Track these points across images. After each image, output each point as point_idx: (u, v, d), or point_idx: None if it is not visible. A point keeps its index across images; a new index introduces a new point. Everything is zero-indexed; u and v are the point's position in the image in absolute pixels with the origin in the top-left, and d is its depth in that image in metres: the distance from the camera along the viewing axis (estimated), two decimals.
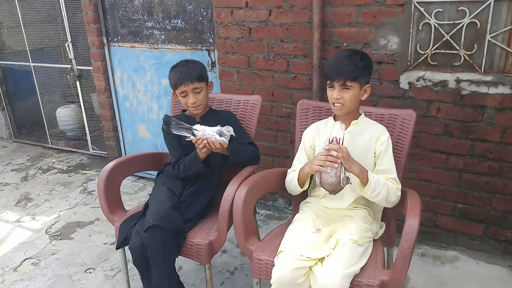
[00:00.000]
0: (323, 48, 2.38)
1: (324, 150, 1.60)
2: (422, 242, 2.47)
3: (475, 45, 2.07)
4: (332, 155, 1.55)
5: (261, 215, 2.89)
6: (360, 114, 1.78)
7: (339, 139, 1.60)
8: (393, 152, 1.76)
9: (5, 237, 2.80)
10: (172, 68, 2.02)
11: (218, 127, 1.83)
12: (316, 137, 1.83)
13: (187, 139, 1.85)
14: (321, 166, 1.57)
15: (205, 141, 1.80)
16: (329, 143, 1.61)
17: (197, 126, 1.85)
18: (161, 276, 1.76)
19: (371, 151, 1.71)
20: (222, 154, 1.92)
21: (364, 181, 1.61)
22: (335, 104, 1.69)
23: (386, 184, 1.66)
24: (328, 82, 1.69)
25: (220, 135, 1.82)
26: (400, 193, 1.71)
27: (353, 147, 1.71)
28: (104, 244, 2.67)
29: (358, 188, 1.65)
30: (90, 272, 2.40)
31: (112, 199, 2.01)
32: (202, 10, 2.82)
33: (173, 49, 3.03)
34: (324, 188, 1.61)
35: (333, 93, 1.67)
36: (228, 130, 1.84)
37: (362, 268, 1.54)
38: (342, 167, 1.56)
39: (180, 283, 1.98)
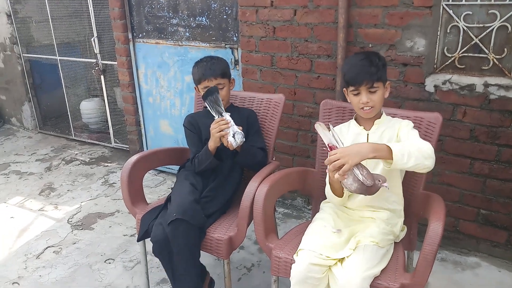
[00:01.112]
0: (348, 48, 2.37)
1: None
2: (442, 247, 2.43)
3: (505, 49, 2.03)
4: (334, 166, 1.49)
5: (279, 213, 2.89)
6: (382, 113, 1.77)
7: (331, 143, 1.54)
8: None
9: (28, 225, 2.87)
10: (196, 64, 2.04)
11: (239, 129, 1.84)
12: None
13: (215, 113, 1.88)
14: (336, 172, 1.50)
15: (228, 124, 1.82)
16: (328, 151, 1.56)
17: (226, 115, 1.87)
18: (185, 269, 1.78)
19: (393, 140, 1.68)
20: (234, 149, 1.94)
21: (387, 156, 1.47)
22: (365, 108, 1.67)
23: (412, 144, 1.52)
24: (352, 89, 1.67)
25: (233, 136, 1.83)
26: (433, 148, 1.53)
27: None
28: (124, 235, 2.71)
29: (387, 165, 1.51)
30: (109, 263, 2.45)
31: (134, 192, 2.04)
32: (227, 8, 2.83)
33: (197, 47, 3.05)
34: (357, 193, 1.55)
35: (360, 98, 1.66)
36: (239, 137, 1.84)
37: (382, 271, 1.53)
38: (355, 169, 1.48)
39: (203, 273, 2.02)
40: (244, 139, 1.85)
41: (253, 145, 2.02)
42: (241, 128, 1.87)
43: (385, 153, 1.47)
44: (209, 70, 1.98)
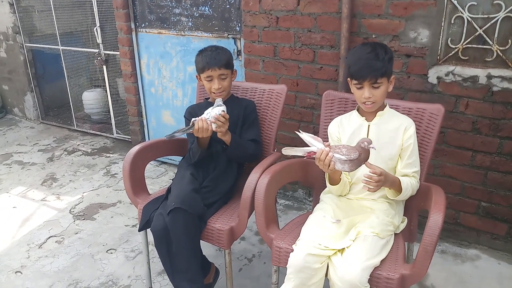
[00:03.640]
0: (351, 39, 2.35)
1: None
2: (443, 239, 2.44)
3: (510, 41, 2.01)
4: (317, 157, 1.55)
5: (280, 205, 2.90)
6: (385, 105, 1.77)
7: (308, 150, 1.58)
8: (419, 147, 1.76)
9: (31, 214, 2.89)
10: (200, 52, 2.04)
11: (215, 110, 1.85)
12: (341, 131, 1.82)
13: (191, 131, 1.86)
14: (327, 166, 1.54)
15: (207, 120, 1.82)
16: (308, 155, 1.59)
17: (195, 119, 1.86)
18: (186, 258, 1.79)
19: (397, 143, 1.70)
20: (223, 144, 1.94)
21: (397, 190, 1.66)
22: (366, 103, 1.67)
23: (412, 185, 1.68)
24: (355, 82, 1.66)
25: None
26: (419, 185, 1.75)
27: (379, 138, 1.70)
28: (126, 226, 2.72)
29: (390, 194, 1.70)
30: (111, 253, 2.46)
31: (136, 182, 2.05)
32: None
33: (199, 37, 3.04)
34: (355, 169, 1.57)
35: (363, 93, 1.64)
36: (219, 112, 1.83)
37: (382, 261, 1.53)
38: (335, 155, 1.52)
39: (207, 264, 2.03)
40: (222, 106, 1.85)
41: (244, 137, 2.02)
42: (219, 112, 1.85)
43: (397, 188, 1.66)
44: (214, 59, 1.97)
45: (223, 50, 2.03)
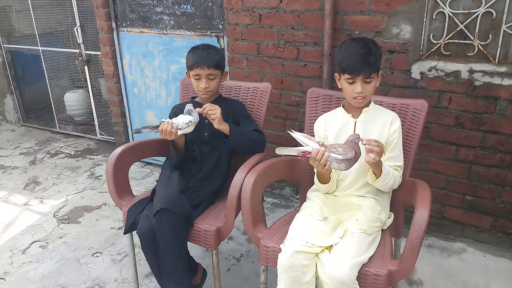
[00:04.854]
0: (334, 36, 2.35)
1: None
2: (429, 233, 2.46)
3: (490, 35, 2.03)
4: (317, 158, 1.53)
5: (268, 203, 2.89)
6: (370, 102, 1.77)
7: (302, 150, 1.57)
8: (403, 142, 1.77)
9: (13, 219, 2.82)
10: (192, 49, 2.01)
11: (186, 117, 1.86)
12: (327, 128, 1.82)
13: (156, 130, 1.86)
14: (323, 166, 1.54)
15: (172, 123, 1.83)
16: (303, 155, 1.57)
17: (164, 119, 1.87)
18: (173, 260, 1.77)
19: (383, 138, 1.70)
20: (224, 138, 1.92)
21: (378, 173, 1.62)
22: (357, 98, 1.66)
23: (393, 175, 1.68)
24: (347, 77, 1.65)
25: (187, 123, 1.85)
26: (401, 179, 1.74)
27: (366, 134, 1.70)
28: (111, 228, 2.68)
29: (370, 178, 1.67)
30: (97, 256, 2.43)
31: (120, 184, 2.01)
32: None
33: (182, 35, 3.00)
34: (351, 167, 1.57)
35: (354, 87, 1.64)
36: (187, 121, 1.85)
37: (370, 258, 1.54)
38: (331, 154, 1.52)
39: (194, 265, 2.02)
40: (194, 116, 1.86)
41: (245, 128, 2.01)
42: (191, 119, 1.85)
43: (379, 171, 1.62)
44: (204, 58, 1.94)
45: (215, 50, 2.01)
